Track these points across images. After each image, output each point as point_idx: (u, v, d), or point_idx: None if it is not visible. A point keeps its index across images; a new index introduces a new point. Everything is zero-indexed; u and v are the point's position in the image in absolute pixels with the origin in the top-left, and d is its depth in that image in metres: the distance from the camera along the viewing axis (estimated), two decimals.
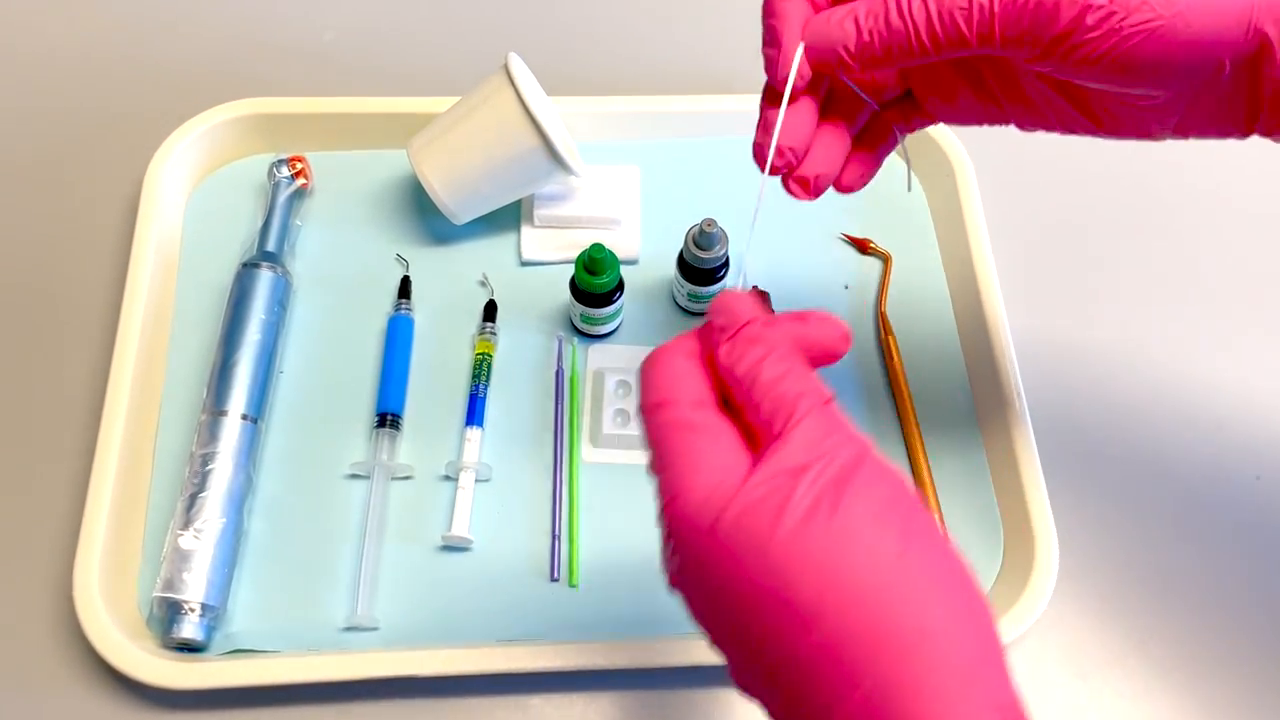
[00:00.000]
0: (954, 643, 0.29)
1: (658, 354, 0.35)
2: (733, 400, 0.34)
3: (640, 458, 0.57)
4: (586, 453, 0.58)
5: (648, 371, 0.34)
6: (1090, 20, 0.34)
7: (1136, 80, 0.36)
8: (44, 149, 0.68)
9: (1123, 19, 0.34)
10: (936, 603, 0.29)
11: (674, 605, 0.33)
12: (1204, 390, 0.62)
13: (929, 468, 0.58)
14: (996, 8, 0.35)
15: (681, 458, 0.32)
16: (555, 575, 0.55)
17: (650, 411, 0.33)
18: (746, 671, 0.32)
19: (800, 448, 0.31)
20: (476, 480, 0.57)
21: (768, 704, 0.31)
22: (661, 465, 0.32)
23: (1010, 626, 0.52)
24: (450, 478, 0.57)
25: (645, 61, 0.75)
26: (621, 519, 0.56)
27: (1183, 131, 0.40)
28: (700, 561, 0.31)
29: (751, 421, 0.33)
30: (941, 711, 0.28)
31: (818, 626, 0.29)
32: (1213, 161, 0.71)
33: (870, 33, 0.37)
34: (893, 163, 0.69)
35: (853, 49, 0.38)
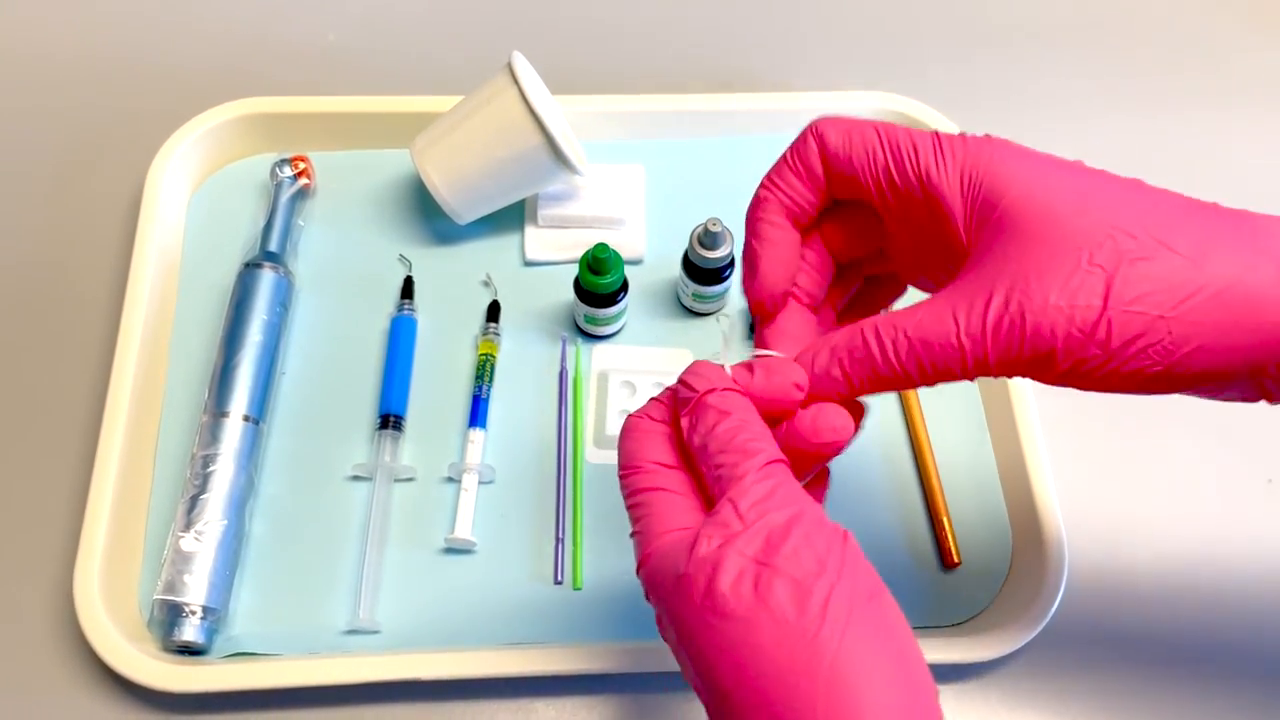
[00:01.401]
0: None
1: (628, 421, 0.37)
2: (695, 468, 0.35)
3: None
4: (590, 454, 0.58)
5: (621, 439, 0.37)
6: (1090, 356, 0.32)
7: (1165, 390, 0.33)
8: (45, 149, 0.68)
9: (1122, 354, 0.32)
10: (863, 688, 0.28)
11: None
12: None
13: (936, 468, 0.57)
14: (990, 355, 0.33)
15: (647, 518, 0.34)
16: (559, 578, 0.54)
17: (622, 477, 0.36)
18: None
19: (730, 516, 0.32)
20: (479, 482, 0.56)
21: None
22: (634, 526, 0.35)
23: (1019, 631, 0.51)
24: (453, 480, 0.56)
25: (650, 60, 0.75)
26: (626, 521, 0.56)
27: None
28: (669, 613, 0.32)
29: (708, 487, 0.34)
30: None
31: (732, 708, 0.30)
32: (1228, 155, 0.71)
33: (860, 380, 0.35)
34: None
35: (842, 392, 0.36)
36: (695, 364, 0.37)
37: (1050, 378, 0.33)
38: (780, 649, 0.29)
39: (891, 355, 0.34)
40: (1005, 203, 0.34)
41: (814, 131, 0.38)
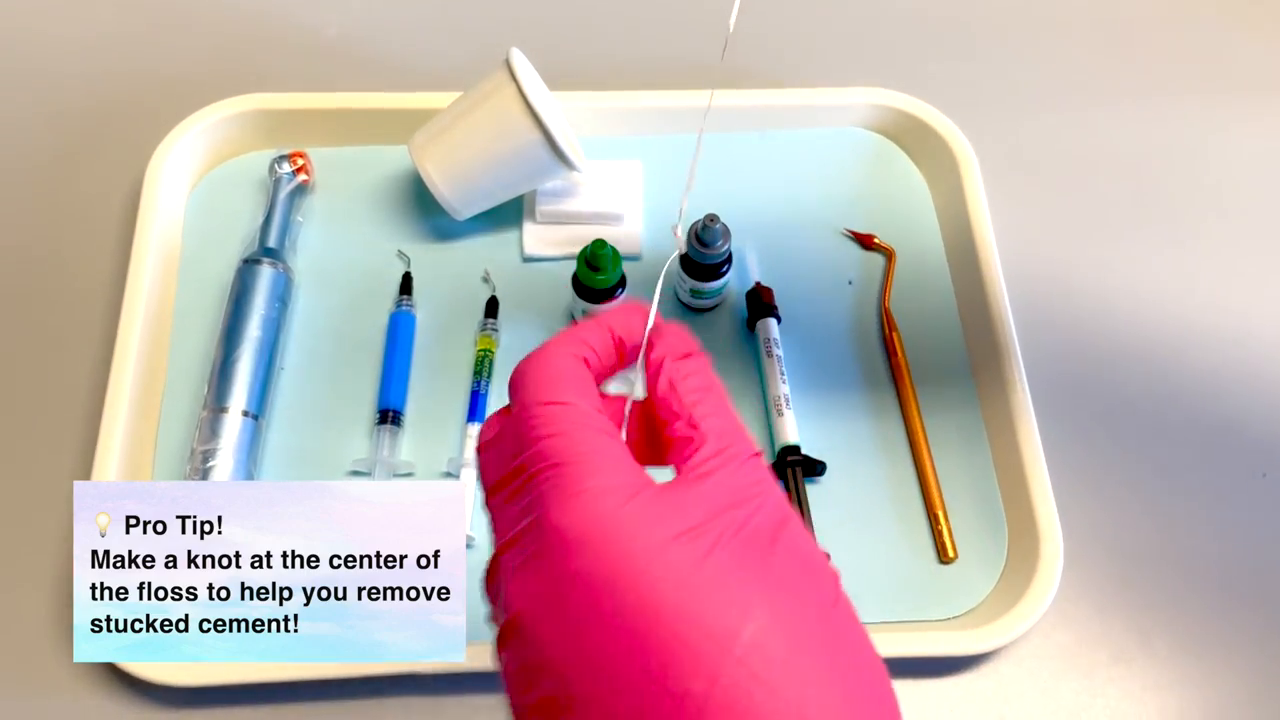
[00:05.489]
0: None
1: (551, 352, 0.31)
2: (656, 414, 0.31)
3: None
4: None
5: (540, 367, 0.30)
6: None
7: None
8: (45, 144, 0.68)
9: None
10: (843, 692, 0.26)
11: None
12: (1212, 386, 0.62)
13: (933, 463, 0.58)
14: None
15: (596, 456, 0.28)
16: None
17: (542, 406, 0.29)
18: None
19: (740, 483, 0.29)
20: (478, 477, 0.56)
21: None
22: (563, 458, 0.28)
23: (1015, 623, 0.52)
24: (452, 474, 0.57)
25: (648, 56, 0.75)
26: None
27: None
28: (606, 574, 0.27)
29: (674, 437, 0.30)
30: None
31: (717, 671, 0.25)
32: (1222, 149, 0.71)
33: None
34: (892, 155, 0.69)
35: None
36: (672, 326, 0.33)
37: None
38: (791, 631, 0.26)
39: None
40: None
41: None
